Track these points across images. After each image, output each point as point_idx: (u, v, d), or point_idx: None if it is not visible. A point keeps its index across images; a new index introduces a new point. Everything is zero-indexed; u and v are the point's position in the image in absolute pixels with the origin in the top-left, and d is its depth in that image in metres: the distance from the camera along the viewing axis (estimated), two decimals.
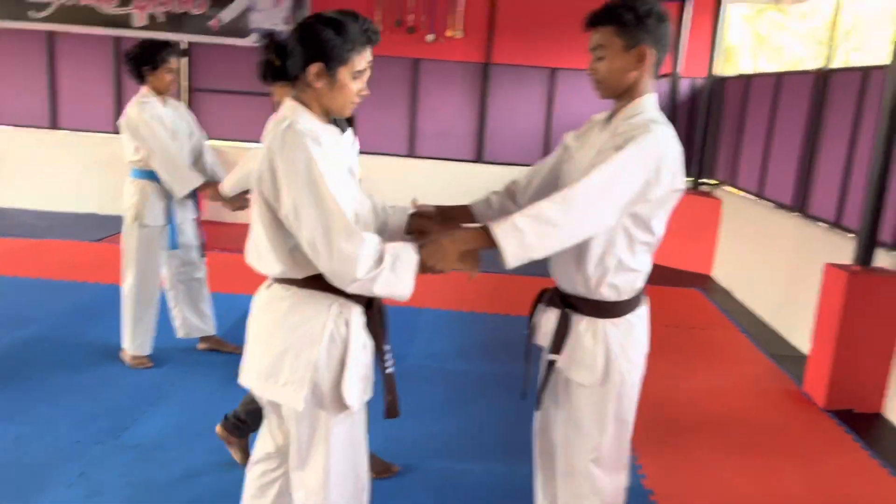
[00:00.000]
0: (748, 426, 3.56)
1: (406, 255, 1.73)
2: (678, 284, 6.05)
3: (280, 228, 1.75)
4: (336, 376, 1.81)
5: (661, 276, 6.23)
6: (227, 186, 3.49)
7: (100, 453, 2.91)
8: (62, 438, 3.00)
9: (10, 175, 7.40)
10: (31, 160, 7.37)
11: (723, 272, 6.30)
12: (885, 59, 3.83)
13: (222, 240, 6.31)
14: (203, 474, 2.83)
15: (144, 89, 3.59)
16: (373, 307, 1.89)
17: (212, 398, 3.44)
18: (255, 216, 1.80)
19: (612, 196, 1.75)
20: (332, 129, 1.84)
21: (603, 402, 1.97)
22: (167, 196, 3.64)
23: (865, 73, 4.43)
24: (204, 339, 3.99)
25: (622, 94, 1.90)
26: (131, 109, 3.53)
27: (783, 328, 5.00)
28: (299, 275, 1.79)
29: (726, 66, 14.94)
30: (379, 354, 1.91)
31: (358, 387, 1.84)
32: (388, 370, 1.93)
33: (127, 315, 3.73)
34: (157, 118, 3.53)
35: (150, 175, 3.59)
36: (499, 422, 3.41)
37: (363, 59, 1.77)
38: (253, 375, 1.87)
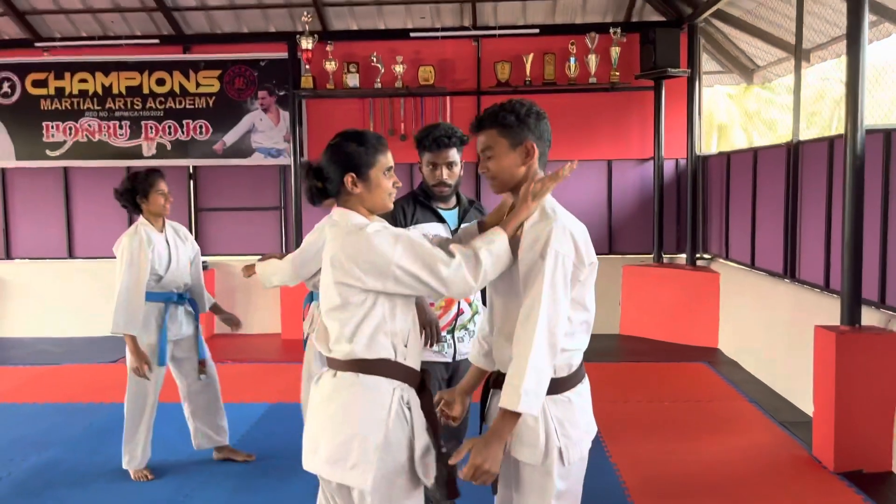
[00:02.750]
0: (758, 494, 3.56)
1: (497, 242, 1.98)
2: (685, 359, 6.09)
3: (364, 312, 1.98)
4: (407, 456, 1.98)
5: (667, 352, 6.33)
6: (297, 263, 3.33)
7: None
8: None
9: (29, 306, 7.68)
10: (48, 290, 7.67)
11: (728, 344, 6.36)
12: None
13: (233, 351, 6.47)
14: None
15: (142, 217, 3.81)
16: (425, 390, 2.08)
17: None
18: (334, 305, 2.02)
19: (561, 300, 1.93)
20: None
21: (545, 480, 2.01)
22: (161, 313, 3.80)
23: (830, 142, 4.67)
24: (218, 449, 4.09)
25: (514, 187, 2.10)
26: (124, 236, 3.75)
27: (790, 395, 5.03)
28: (370, 355, 1.99)
29: (720, 143, 15.44)
30: (436, 434, 2.06)
31: (428, 464, 2.01)
32: (444, 449, 2.07)
33: (125, 429, 3.84)
34: (145, 246, 3.68)
35: (147, 296, 3.73)
36: None
37: (388, 158, 2.09)
38: (321, 461, 2.01)
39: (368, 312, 1.99)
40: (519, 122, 2.04)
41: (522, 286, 1.97)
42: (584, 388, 2.11)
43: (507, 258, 1.99)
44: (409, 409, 2.01)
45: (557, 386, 2.02)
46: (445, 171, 2.86)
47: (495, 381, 2.17)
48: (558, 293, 1.92)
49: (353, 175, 2.03)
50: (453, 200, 2.97)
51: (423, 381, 2.08)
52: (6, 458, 4.16)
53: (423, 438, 2.02)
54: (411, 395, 2.04)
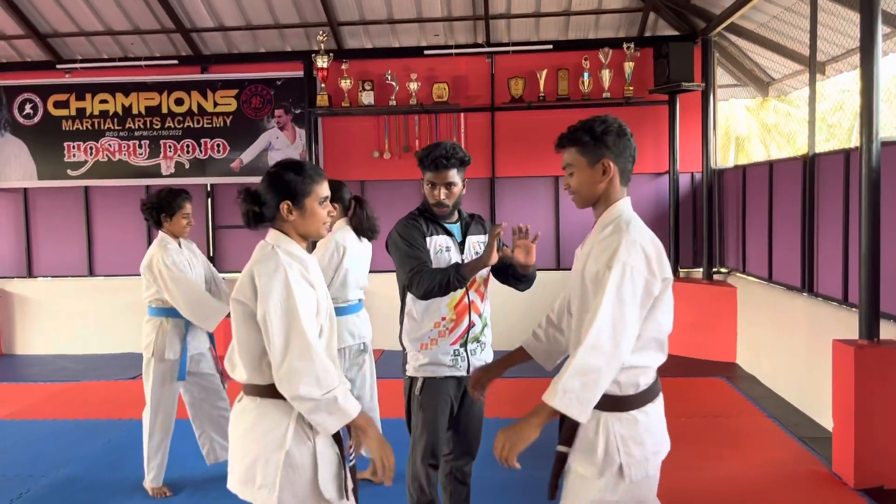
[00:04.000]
0: None
1: (348, 408, 2.00)
2: (703, 374, 6.04)
3: (251, 333, 2.02)
4: (311, 474, 2.01)
5: (685, 367, 6.27)
6: None
7: None
8: None
9: (49, 323, 7.79)
10: (69, 307, 7.77)
11: (746, 358, 6.30)
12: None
13: None
14: None
15: (162, 233, 3.88)
16: None
17: None
18: (232, 325, 2.07)
19: (630, 313, 1.93)
20: (308, 256, 2.17)
21: (601, 495, 2.02)
22: (183, 329, 3.85)
23: (846, 154, 4.64)
24: None
25: (596, 202, 2.13)
26: (153, 252, 3.81)
27: (810, 410, 4.97)
28: (263, 381, 2.03)
29: (739, 156, 15.35)
30: (339, 448, 2.11)
31: (333, 483, 2.04)
32: (350, 463, 2.13)
33: (145, 446, 3.88)
34: (179, 262, 3.79)
35: (167, 312, 3.82)
36: None
37: (324, 188, 2.14)
38: (235, 482, 2.09)
39: (255, 338, 2.03)
40: (595, 140, 2.08)
41: (592, 298, 1.99)
42: (655, 407, 2.10)
43: (338, 420, 2.00)
44: (311, 427, 2.04)
45: (623, 404, 2.04)
46: (443, 192, 2.89)
47: None
48: (625, 304, 1.93)
49: (290, 203, 2.10)
50: (455, 215, 3.01)
51: None
52: (25, 475, 4.20)
53: (328, 456, 2.06)
54: None
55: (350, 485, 2.13)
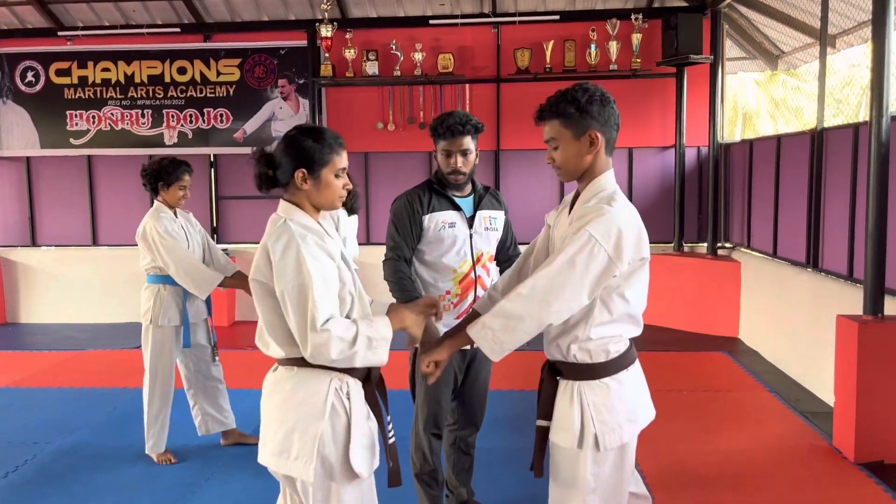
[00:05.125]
0: (778, 484, 3.54)
1: (381, 334, 1.97)
2: (706, 349, 6.05)
3: (277, 311, 1.96)
4: (343, 447, 1.96)
5: (688, 342, 6.29)
6: None
7: None
8: None
9: (53, 292, 7.81)
10: (73, 277, 7.79)
11: (749, 333, 6.31)
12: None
13: (253, 339, 6.53)
14: None
15: (157, 202, 3.88)
16: (370, 380, 2.04)
17: (249, 488, 3.57)
18: (257, 304, 2.01)
19: (573, 282, 1.90)
20: (326, 223, 2.09)
21: (579, 465, 2.02)
22: (181, 298, 3.87)
23: (855, 129, 4.59)
24: (226, 434, 4.15)
25: (582, 175, 2.06)
26: (146, 221, 3.80)
27: (811, 385, 4.98)
28: (298, 355, 1.97)
29: (746, 131, 15.22)
30: (380, 425, 2.06)
31: (365, 455, 1.99)
32: (391, 440, 2.06)
33: (145, 414, 3.91)
34: (172, 230, 3.78)
35: (164, 279, 3.83)
36: (525, 494, 3.45)
37: (342, 159, 2.04)
38: (268, 454, 2.03)
39: (282, 313, 1.97)
40: (580, 112, 1.98)
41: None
42: (628, 375, 2.08)
43: (383, 349, 1.98)
44: (349, 399, 2.00)
45: (594, 371, 2.02)
46: (460, 159, 2.85)
47: (550, 368, 2.16)
48: (573, 272, 1.90)
49: (305, 171, 2.00)
50: (468, 188, 2.97)
51: (368, 372, 2.08)
52: (31, 441, 4.24)
53: (362, 430, 2.01)
54: (352, 386, 2.02)
55: (389, 463, 2.10)
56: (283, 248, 1.92)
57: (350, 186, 2.10)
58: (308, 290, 1.89)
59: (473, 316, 2.34)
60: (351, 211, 4.75)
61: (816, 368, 4.86)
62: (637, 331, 2.09)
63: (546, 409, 2.09)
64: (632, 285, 2.01)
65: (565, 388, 2.06)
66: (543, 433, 2.10)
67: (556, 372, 2.10)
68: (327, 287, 1.93)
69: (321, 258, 1.95)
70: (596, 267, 1.91)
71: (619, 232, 1.92)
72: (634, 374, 2.11)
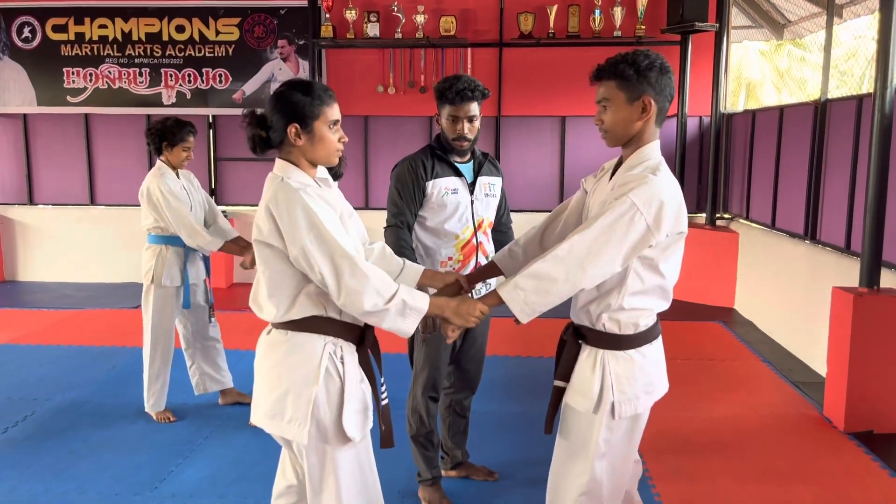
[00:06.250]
0: (767, 451, 3.60)
1: (417, 304, 1.95)
2: (701, 318, 6.09)
3: (284, 271, 1.95)
4: (337, 411, 1.97)
5: (683, 311, 6.31)
6: None
7: None
8: (104, 492, 3.18)
9: (51, 251, 7.81)
10: (70, 236, 7.78)
11: (744, 304, 6.34)
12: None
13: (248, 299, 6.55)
14: None
15: (160, 162, 3.87)
16: (364, 344, 2.06)
17: (247, 446, 3.62)
18: (259, 266, 2.00)
19: (610, 247, 1.89)
20: (324, 181, 2.07)
21: (592, 430, 2.05)
22: (182, 259, 3.89)
23: (859, 101, 4.56)
24: (223, 393, 4.19)
25: (628, 142, 2.04)
26: (150, 181, 3.80)
27: (804, 355, 5.03)
28: (299, 315, 1.97)
29: (749, 101, 15.10)
30: (373, 388, 2.08)
31: (357, 419, 2.01)
32: (383, 402, 2.09)
33: (145, 373, 3.95)
34: (175, 190, 3.78)
35: (166, 239, 3.84)
36: (518, 457, 3.50)
37: (334, 111, 2.01)
38: (261, 415, 2.04)
39: (287, 273, 1.95)
40: (638, 75, 1.95)
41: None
42: (651, 349, 2.10)
43: (414, 319, 1.96)
44: (343, 363, 2.00)
45: (621, 342, 2.04)
46: (466, 126, 2.82)
47: (565, 330, 2.18)
48: (611, 239, 1.89)
49: (297, 126, 1.97)
50: (468, 154, 2.95)
51: (363, 335, 2.07)
52: (30, 398, 4.28)
53: (355, 394, 2.01)
54: (346, 349, 2.02)
55: (382, 426, 2.10)
56: (287, 208, 1.89)
57: (346, 140, 2.07)
58: (328, 238, 1.87)
59: (491, 267, 2.38)
60: (336, 176, 4.67)
61: (810, 339, 4.90)
62: (666, 305, 2.10)
63: (566, 371, 2.10)
64: (667, 258, 2.01)
65: (589, 354, 2.07)
66: (559, 393, 2.13)
67: (580, 336, 2.11)
68: (344, 230, 1.92)
69: (324, 207, 1.94)
70: (634, 235, 1.90)
71: (661, 203, 1.91)
72: (657, 348, 2.13)
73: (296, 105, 1.97)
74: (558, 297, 1.94)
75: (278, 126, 1.98)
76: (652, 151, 2.02)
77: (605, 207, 1.93)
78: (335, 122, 2.02)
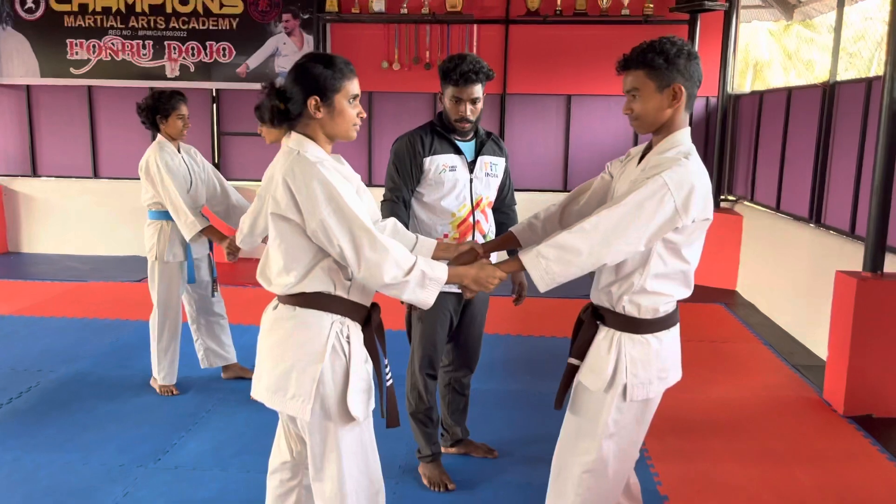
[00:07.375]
0: (766, 433, 3.62)
1: (436, 275, 1.96)
2: (703, 300, 6.09)
3: (300, 243, 1.94)
4: (341, 390, 1.98)
5: None
6: (246, 226, 3.32)
7: (142, 475, 3.11)
8: (107, 463, 3.22)
9: (55, 223, 7.82)
10: (74, 209, 7.78)
11: (746, 286, 6.34)
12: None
13: (254, 276, 6.56)
14: (237, 492, 3.00)
15: (160, 136, 3.84)
16: (370, 324, 2.06)
17: (249, 420, 3.64)
18: (274, 239, 1.99)
19: (637, 225, 1.89)
20: (336, 156, 2.06)
21: (602, 409, 2.06)
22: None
23: (868, 83, 4.52)
24: (226, 368, 4.21)
25: (659, 128, 2.04)
26: (148, 155, 3.77)
27: (805, 338, 5.03)
28: (311, 289, 1.97)
29: (756, 82, 14.96)
30: (377, 368, 2.08)
31: (361, 399, 2.01)
32: (388, 383, 2.09)
33: (153, 347, 3.97)
34: (172, 165, 3.75)
35: (166, 215, 3.82)
36: (517, 435, 3.52)
37: (354, 85, 2.00)
38: (262, 389, 2.04)
39: (303, 246, 1.95)
40: (668, 63, 1.95)
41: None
42: (668, 335, 2.11)
43: (433, 290, 1.96)
44: (349, 342, 2.00)
45: (639, 326, 2.05)
46: (469, 107, 2.80)
47: (584, 309, 2.19)
48: (640, 216, 1.89)
49: (317, 98, 1.94)
50: (471, 133, 2.94)
51: (369, 315, 2.08)
52: (34, 369, 4.31)
53: (360, 373, 2.01)
54: (352, 329, 2.02)
55: (373, 405, 2.10)
56: (305, 181, 1.88)
57: (364, 115, 2.05)
58: (347, 211, 1.87)
59: (508, 238, 2.40)
60: None
61: (812, 323, 4.90)
62: (688, 292, 2.10)
63: (581, 350, 2.11)
64: (691, 244, 2.02)
65: (606, 334, 2.07)
66: (572, 371, 2.14)
67: (599, 317, 2.11)
68: (358, 206, 1.91)
69: (343, 181, 1.94)
70: (662, 215, 1.90)
71: (692, 187, 1.92)
72: (674, 336, 2.14)
73: (317, 78, 1.94)
74: (579, 270, 1.95)
75: (298, 98, 1.96)
76: (683, 137, 2.03)
77: (635, 185, 1.94)
78: (355, 97, 2.00)
